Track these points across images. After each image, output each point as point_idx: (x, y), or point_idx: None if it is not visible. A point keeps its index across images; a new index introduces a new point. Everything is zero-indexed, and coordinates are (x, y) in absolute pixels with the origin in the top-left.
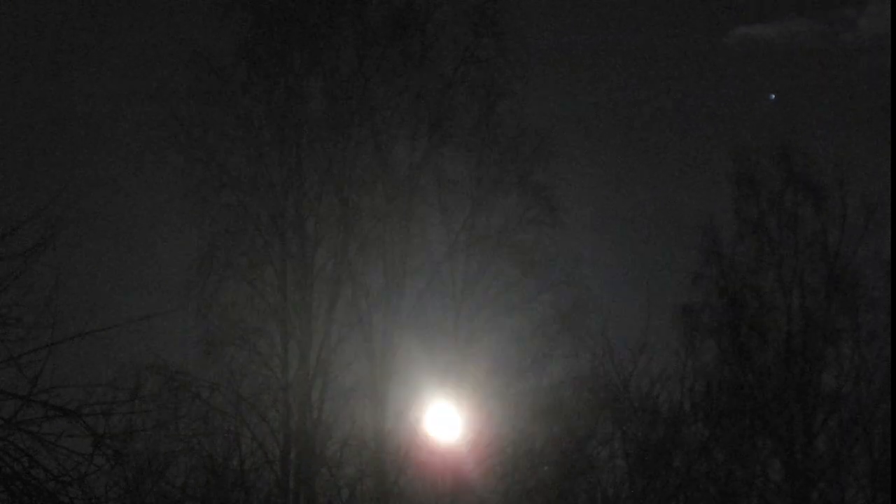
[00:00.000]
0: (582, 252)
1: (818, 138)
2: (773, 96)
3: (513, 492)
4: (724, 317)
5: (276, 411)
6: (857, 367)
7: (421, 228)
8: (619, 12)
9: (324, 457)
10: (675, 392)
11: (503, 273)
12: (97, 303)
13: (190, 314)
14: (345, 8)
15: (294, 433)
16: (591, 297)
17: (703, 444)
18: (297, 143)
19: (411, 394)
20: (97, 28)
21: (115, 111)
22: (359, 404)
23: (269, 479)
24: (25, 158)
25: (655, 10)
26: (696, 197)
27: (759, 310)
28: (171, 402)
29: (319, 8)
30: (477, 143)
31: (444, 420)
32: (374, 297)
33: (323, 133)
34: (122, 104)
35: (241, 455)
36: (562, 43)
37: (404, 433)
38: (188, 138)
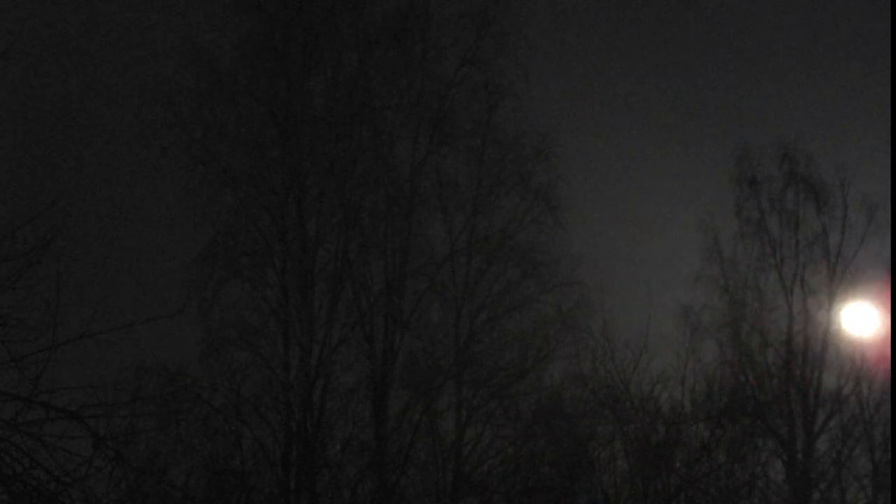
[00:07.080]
0: (582, 252)
1: (819, 138)
2: None
3: (513, 492)
4: (725, 317)
5: (277, 412)
6: (858, 368)
7: (422, 229)
8: (620, 12)
9: (325, 457)
10: (676, 392)
11: (504, 273)
12: (98, 304)
13: (191, 315)
14: (346, 8)
15: (295, 434)
16: (592, 298)
17: (704, 445)
18: (298, 144)
19: None
20: (97, 27)
21: (115, 111)
22: (360, 405)
23: (271, 480)
24: (25, 160)
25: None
26: (696, 197)
27: (759, 310)
28: (172, 404)
29: (321, 8)
30: (478, 143)
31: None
32: (374, 298)
33: (324, 133)
34: (122, 104)
35: (242, 456)
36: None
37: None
38: (189, 139)
